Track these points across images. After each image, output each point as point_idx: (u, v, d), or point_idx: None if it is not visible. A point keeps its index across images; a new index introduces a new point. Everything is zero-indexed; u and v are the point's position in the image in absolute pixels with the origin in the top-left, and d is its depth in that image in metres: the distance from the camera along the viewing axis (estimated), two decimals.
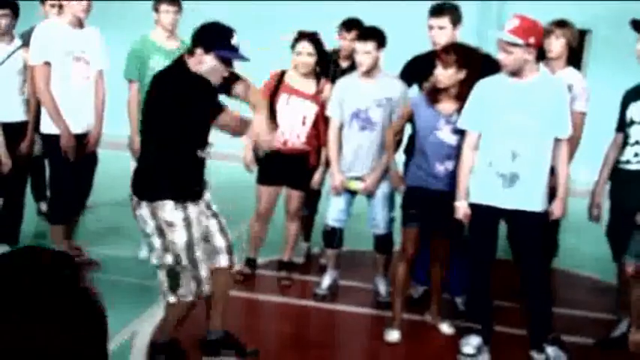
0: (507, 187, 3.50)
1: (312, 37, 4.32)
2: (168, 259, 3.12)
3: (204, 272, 3.17)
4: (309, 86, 4.38)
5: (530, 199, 3.52)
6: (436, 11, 4.03)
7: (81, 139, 4.26)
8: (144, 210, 3.10)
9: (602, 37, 8.15)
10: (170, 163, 3.09)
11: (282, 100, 4.37)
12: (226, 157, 5.69)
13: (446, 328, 3.97)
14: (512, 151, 3.47)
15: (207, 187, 3.31)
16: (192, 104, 3.00)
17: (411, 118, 3.85)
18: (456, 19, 4.03)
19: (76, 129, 4.22)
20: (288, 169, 4.41)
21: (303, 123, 4.36)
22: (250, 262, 4.67)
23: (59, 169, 4.24)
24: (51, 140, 4.22)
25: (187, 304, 3.20)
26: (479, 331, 3.72)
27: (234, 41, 3.05)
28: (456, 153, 3.70)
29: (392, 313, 3.89)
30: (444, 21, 4.00)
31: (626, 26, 3.69)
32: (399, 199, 4.03)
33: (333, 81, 4.42)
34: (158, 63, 4.55)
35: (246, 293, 4.42)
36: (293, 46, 4.34)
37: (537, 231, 3.57)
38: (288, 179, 4.47)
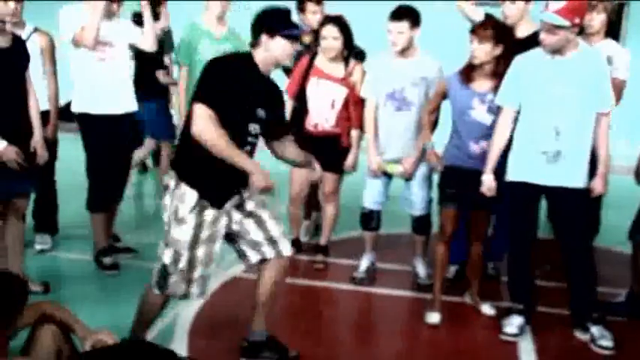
0: (550, 163, 3.44)
1: (338, 21, 4.27)
2: (167, 256, 3.00)
3: (197, 274, 3.02)
4: (338, 69, 4.34)
5: (573, 175, 3.46)
6: None
7: (121, 120, 4.27)
8: (168, 197, 3.00)
9: None
10: (207, 153, 2.87)
11: (312, 83, 4.36)
12: None
13: (487, 308, 3.92)
14: (555, 128, 3.40)
15: (246, 188, 3.06)
16: (243, 97, 2.95)
17: (446, 96, 3.79)
18: None
19: (115, 110, 4.23)
20: (320, 151, 4.36)
21: (332, 106, 4.32)
22: (295, 243, 4.71)
23: (96, 153, 4.23)
24: (85, 120, 4.21)
25: (163, 299, 3.12)
26: (520, 311, 3.68)
27: (292, 19, 3.07)
28: (491, 133, 3.64)
29: (432, 294, 3.86)
30: None
31: None
32: (435, 179, 3.99)
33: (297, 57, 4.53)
34: (206, 48, 4.67)
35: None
36: (319, 31, 4.30)
37: (581, 207, 3.51)
38: (321, 162, 4.44)
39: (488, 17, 3.76)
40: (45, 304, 2.83)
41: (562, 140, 3.41)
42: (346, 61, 4.37)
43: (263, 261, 3.19)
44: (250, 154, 3.04)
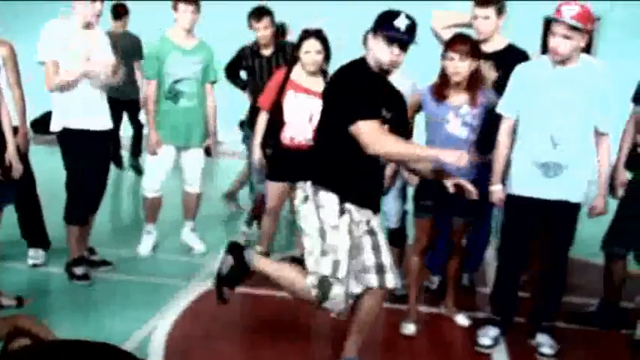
0: (550, 177, 3.43)
1: (320, 35, 4.30)
2: (325, 266, 2.94)
3: (354, 289, 3.05)
4: (317, 83, 4.33)
5: (572, 189, 3.47)
6: (482, 1, 4.05)
7: (99, 136, 4.27)
8: (309, 205, 3.02)
9: (613, 24, 8.18)
10: (349, 157, 2.99)
11: (289, 97, 4.36)
12: (236, 155, 5.71)
13: (461, 319, 3.95)
14: (554, 140, 3.41)
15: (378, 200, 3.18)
16: (367, 99, 2.97)
17: (419, 109, 3.82)
18: (501, 9, 4.09)
19: (92, 126, 4.23)
20: (297, 165, 4.38)
21: (310, 120, 4.34)
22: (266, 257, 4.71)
23: (76, 168, 4.21)
24: (64, 136, 4.21)
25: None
26: (496, 322, 3.71)
27: (397, 22, 2.98)
28: (465, 146, 3.67)
29: (407, 305, 3.88)
30: (489, 11, 4.04)
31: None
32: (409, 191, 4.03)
33: (260, 71, 4.90)
34: (176, 60, 4.67)
35: (260, 289, 4.42)
36: (299, 45, 4.31)
37: (575, 221, 3.55)
38: (297, 175, 4.45)
39: (461, 33, 3.79)
40: (18, 318, 2.80)
41: (560, 152, 3.41)
42: (324, 74, 4.39)
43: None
44: None
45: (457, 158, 2.88)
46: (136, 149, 7.93)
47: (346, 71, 3.08)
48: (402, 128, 3.17)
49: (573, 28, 3.28)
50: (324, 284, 2.95)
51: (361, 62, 3.10)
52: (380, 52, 3.00)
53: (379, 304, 3.18)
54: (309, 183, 3.05)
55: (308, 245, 3.02)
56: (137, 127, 7.83)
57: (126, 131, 7.68)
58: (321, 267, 2.95)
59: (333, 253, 2.94)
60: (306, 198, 3.04)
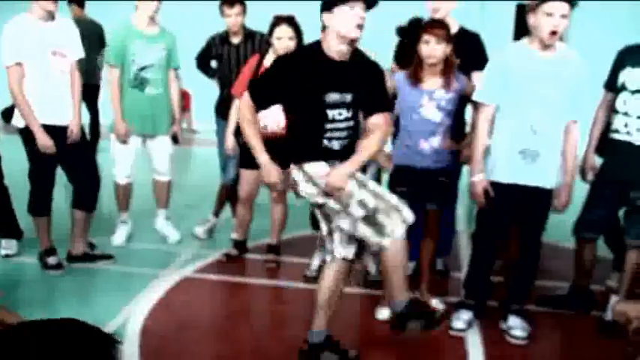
0: (529, 163, 3.45)
1: (292, 21, 4.28)
2: (357, 210, 2.95)
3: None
4: None
5: (547, 176, 3.50)
6: None
7: (63, 131, 4.22)
8: (304, 186, 3.06)
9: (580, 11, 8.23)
10: (296, 129, 3.14)
11: None
12: (212, 144, 5.68)
13: (436, 303, 3.99)
14: (533, 127, 3.41)
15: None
16: (268, 85, 3.11)
17: (395, 96, 3.84)
18: None
19: (60, 121, 4.19)
20: (269, 152, 4.38)
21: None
22: (238, 244, 4.70)
23: (37, 161, 4.20)
24: (26, 133, 4.17)
25: (402, 242, 3.00)
26: (470, 305, 3.76)
27: None
28: (440, 130, 3.70)
29: (382, 291, 3.91)
30: None
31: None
32: (384, 178, 4.05)
33: (228, 59, 4.94)
34: (140, 48, 4.64)
35: (235, 277, 4.43)
36: (271, 32, 4.30)
37: (548, 207, 3.58)
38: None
39: (437, 19, 3.81)
40: None
41: (539, 140, 3.42)
42: None
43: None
44: (344, 139, 3.09)
45: (272, 181, 3.13)
46: (94, 137, 7.75)
47: (293, 54, 3.13)
48: (372, 103, 3.14)
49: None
50: (371, 221, 2.95)
51: (315, 46, 3.04)
52: (344, 21, 2.90)
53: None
54: (292, 167, 3.09)
55: (335, 211, 3.03)
56: (94, 113, 7.77)
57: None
58: (356, 212, 2.95)
59: (352, 197, 2.96)
60: (295, 183, 3.10)
